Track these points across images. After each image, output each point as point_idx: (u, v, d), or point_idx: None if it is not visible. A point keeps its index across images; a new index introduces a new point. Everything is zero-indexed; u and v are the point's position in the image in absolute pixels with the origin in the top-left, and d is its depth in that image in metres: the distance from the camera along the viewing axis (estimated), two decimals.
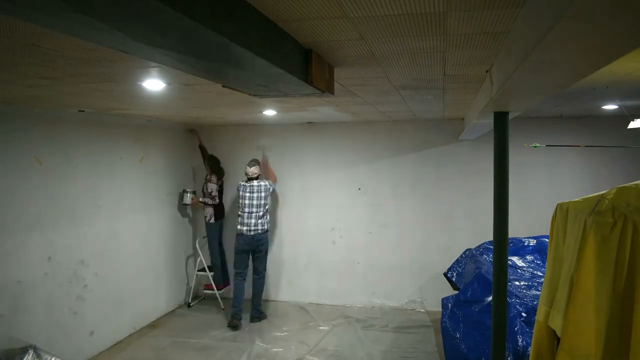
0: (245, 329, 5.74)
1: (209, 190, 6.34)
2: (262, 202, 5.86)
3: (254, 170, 5.87)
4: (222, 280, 6.60)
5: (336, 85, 2.95)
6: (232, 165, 6.87)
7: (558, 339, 2.40)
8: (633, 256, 1.94)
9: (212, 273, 6.51)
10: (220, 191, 6.46)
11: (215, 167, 6.50)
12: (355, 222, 6.60)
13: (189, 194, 6.43)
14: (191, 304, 6.60)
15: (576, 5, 1.02)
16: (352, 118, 5.91)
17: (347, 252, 6.60)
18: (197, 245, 6.63)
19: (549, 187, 6.00)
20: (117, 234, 5.35)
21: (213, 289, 6.46)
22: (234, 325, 5.70)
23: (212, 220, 6.39)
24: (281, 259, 6.84)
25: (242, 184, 5.91)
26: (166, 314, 6.27)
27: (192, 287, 6.66)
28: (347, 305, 6.55)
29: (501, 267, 3.13)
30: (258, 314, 6.00)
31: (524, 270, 4.92)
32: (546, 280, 2.56)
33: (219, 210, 6.46)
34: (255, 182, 5.87)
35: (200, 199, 6.37)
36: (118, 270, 5.36)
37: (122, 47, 1.51)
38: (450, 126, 6.20)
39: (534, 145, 4.69)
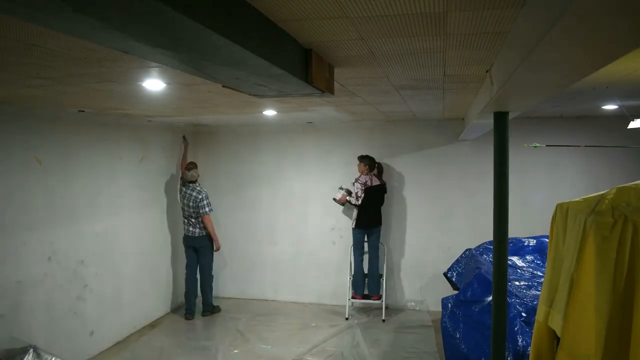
0: (244, 329, 5.74)
1: (355, 190, 6.05)
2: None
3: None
4: (360, 289, 6.12)
5: (336, 85, 2.95)
6: (232, 166, 6.88)
7: (558, 339, 2.40)
8: (633, 256, 1.95)
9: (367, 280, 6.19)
10: (372, 193, 6.02)
11: (366, 166, 6.08)
12: None
13: (341, 191, 6.12)
14: (348, 317, 6.06)
15: (576, 5, 1.02)
16: (352, 118, 5.90)
17: (347, 252, 6.60)
18: (350, 251, 6.33)
19: (549, 187, 6.00)
20: (117, 233, 5.35)
21: (357, 298, 6.17)
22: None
23: (353, 226, 6.14)
24: (281, 259, 6.84)
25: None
26: (166, 314, 6.27)
27: (348, 298, 6.17)
28: (347, 305, 6.55)
29: (501, 267, 3.13)
30: (208, 308, 6.23)
31: (524, 270, 4.92)
32: (546, 280, 2.56)
33: (360, 215, 6.07)
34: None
35: (347, 198, 6.06)
36: (118, 270, 5.36)
37: (122, 47, 1.51)
38: (450, 126, 6.20)
39: (534, 145, 4.69)
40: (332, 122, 6.47)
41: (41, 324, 4.34)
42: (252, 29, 1.62)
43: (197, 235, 6.03)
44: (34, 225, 4.29)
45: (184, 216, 6.09)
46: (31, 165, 4.28)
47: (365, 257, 6.22)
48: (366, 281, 6.20)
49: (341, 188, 6.17)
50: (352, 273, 6.22)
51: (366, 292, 6.19)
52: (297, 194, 6.76)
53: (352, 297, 6.18)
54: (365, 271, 6.21)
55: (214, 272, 6.32)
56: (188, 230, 6.05)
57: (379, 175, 6.21)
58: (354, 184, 6.08)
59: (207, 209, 5.95)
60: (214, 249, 6.17)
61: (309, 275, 6.77)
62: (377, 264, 6.16)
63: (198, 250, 6.11)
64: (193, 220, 6.00)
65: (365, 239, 6.20)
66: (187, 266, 6.18)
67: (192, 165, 6.13)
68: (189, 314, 6.10)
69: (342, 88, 3.32)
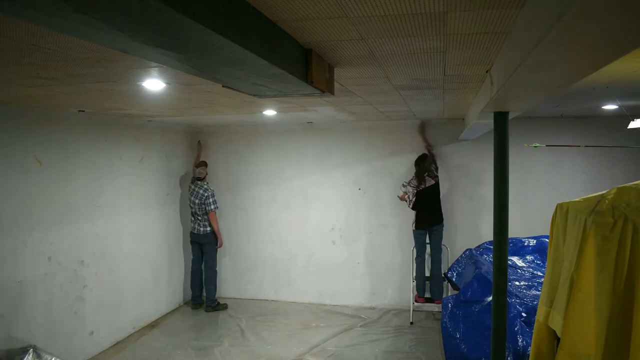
0: (244, 329, 5.74)
1: (408, 193, 5.92)
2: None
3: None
4: (422, 292, 5.93)
5: (336, 85, 2.95)
6: (232, 166, 6.88)
7: (558, 339, 2.40)
8: (633, 256, 1.95)
9: (414, 283, 6.01)
10: (425, 194, 5.81)
11: (417, 169, 5.94)
12: (355, 222, 6.60)
13: (403, 188, 6.00)
14: (412, 322, 5.83)
15: (576, 5, 1.02)
16: (352, 118, 5.90)
17: (347, 252, 6.60)
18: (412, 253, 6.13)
19: (549, 187, 6.00)
20: (117, 233, 5.35)
21: (420, 301, 5.93)
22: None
23: (413, 227, 5.96)
24: (281, 259, 6.84)
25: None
26: (166, 314, 6.27)
27: (412, 302, 5.93)
28: (347, 305, 6.56)
29: (501, 267, 3.13)
30: (210, 304, 6.36)
31: (524, 270, 4.92)
32: (546, 280, 2.56)
33: (418, 217, 5.89)
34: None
35: (406, 197, 5.95)
36: (118, 270, 5.36)
37: (122, 47, 1.51)
38: (450, 126, 6.20)
39: (534, 145, 4.69)
40: (332, 122, 6.47)
41: (41, 324, 4.34)
42: (252, 29, 1.62)
43: (202, 232, 6.21)
44: (33, 225, 4.29)
45: (191, 213, 6.28)
46: (31, 165, 4.27)
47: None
48: (428, 284, 5.96)
49: (404, 185, 6.01)
50: (414, 275, 5.99)
51: (427, 295, 5.98)
52: (297, 194, 6.76)
53: (415, 300, 5.94)
54: (427, 273, 5.99)
55: (217, 268, 6.47)
56: (193, 227, 6.27)
57: (432, 171, 5.94)
58: (405, 186, 5.96)
59: (212, 207, 6.14)
60: (217, 245, 6.34)
61: (309, 275, 6.77)
62: (440, 266, 5.85)
63: (202, 246, 6.29)
64: (199, 217, 6.17)
65: (428, 240, 5.96)
66: (193, 261, 6.42)
67: (202, 164, 6.36)
68: (195, 303, 6.46)
69: (342, 88, 3.32)
